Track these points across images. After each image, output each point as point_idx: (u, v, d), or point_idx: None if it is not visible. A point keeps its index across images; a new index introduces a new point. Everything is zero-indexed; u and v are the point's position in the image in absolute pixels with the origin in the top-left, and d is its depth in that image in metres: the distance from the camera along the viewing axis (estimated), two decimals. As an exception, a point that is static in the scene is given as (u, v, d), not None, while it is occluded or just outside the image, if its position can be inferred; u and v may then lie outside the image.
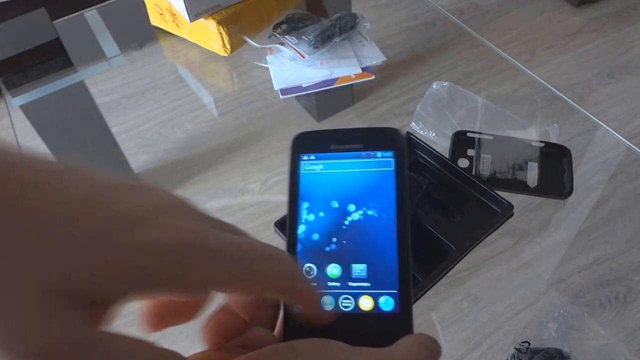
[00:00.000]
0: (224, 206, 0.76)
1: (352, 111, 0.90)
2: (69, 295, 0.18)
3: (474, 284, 0.66)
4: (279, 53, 0.91)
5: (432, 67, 0.95)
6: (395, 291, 0.28)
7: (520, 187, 0.71)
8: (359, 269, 0.28)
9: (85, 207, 0.20)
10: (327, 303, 0.28)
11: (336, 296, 0.28)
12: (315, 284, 0.29)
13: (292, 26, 0.91)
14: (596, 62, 1.62)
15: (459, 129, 0.77)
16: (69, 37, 1.04)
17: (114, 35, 1.04)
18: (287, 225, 0.30)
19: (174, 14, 0.95)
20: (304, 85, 0.87)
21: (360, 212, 0.30)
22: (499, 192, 0.66)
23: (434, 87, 0.85)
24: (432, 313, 0.64)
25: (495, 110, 0.81)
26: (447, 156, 0.73)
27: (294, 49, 0.88)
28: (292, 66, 0.89)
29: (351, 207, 0.30)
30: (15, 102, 0.93)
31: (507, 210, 0.64)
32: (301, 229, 0.30)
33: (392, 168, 0.30)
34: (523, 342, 0.60)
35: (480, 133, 0.76)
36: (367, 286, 0.28)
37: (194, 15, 0.89)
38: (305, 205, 0.30)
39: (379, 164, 0.30)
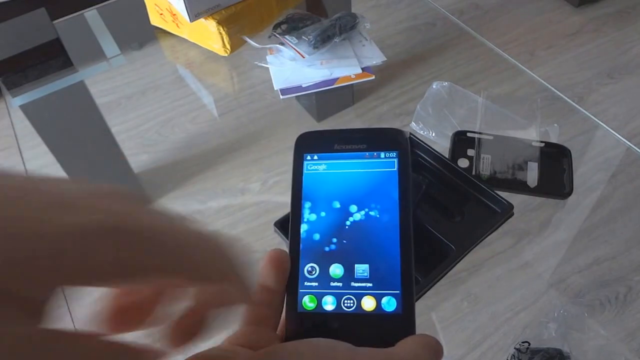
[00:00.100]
0: (224, 206, 0.76)
1: (352, 111, 0.90)
2: None
3: (474, 284, 0.66)
4: (279, 53, 0.91)
5: (432, 67, 0.95)
6: (397, 292, 0.28)
7: (520, 187, 0.71)
8: (361, 269, 0.29)
9: (8, 199, 0.17)
10: (330, 303, 0.28)
11: (339, 296, 0.28)
12: (316, 284, 0.29)
13: (292, 26, 0.91)
14: (596, 62, 1.62)
15: (459, 129, 0.77)
16: (69, 37, 1.04)
17: (114, 35, 1.04)
18: (290, 224, 0.30)
19: (174, 14, 0.95)
20: (304, 85, 0.87)
21: (363, 212, 0.30)
22: (499, 192, 0.66)
23: (434, 87, 0.85)
24: (432, 313, 0.64)
25: (495, 110, 0.81)
26: (447, 156, 0.73)
27: (294, 49, 0.88)
28: (292, 66, 0.89)
29: (354, 207, 0.30)
30: (15, 102, 0.93)
31: (507, 210, 0.64)
32: (304, 228, 0.30)
33: (395, 168, 0.30)
34: (523, 342, 0.60)
35: (480, 133, 0.76)
36: (370, 286, 0.28)
37: (194, 15, 0.89)
38: (308, 205, 0.30)
39: (383, 164, 0.30)
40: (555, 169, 0.73)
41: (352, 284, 0.28)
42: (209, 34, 0.93)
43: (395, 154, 0.30)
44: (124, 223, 0.18)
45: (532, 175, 0.72)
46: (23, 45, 1.01)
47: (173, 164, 0.83)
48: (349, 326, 0.28)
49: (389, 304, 0.28)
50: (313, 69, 0.88)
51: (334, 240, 0.29)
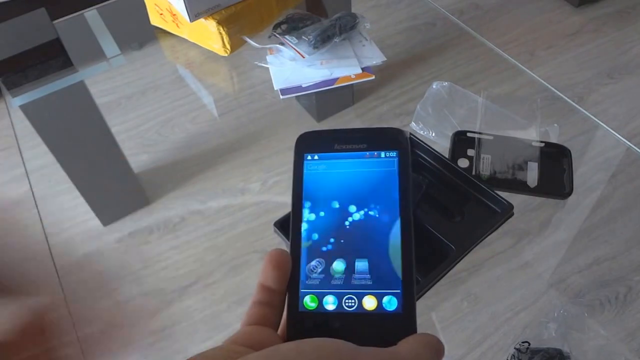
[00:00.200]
0: (224, 206, 0.76)
1: (352, 111, 0.90)
2: None
3: (474, 284, 0.66)
4: (279, 53, 0.91)
5: (432, 67, 0.95)
6: (398, 291, 0.28)
7: (520, 187, 0.71)
8: (362, 268, 0.29)
9: None
10: (331, 302, 0.28)
11: (340, 296, 0.28)
12: (317, 284, 0.29)
13: (292, 26, 0.91)
14: (596, 62, 1.62)
15: (459, 129, 0.77)
16: (69, 37, 1.04)
17: (114, 35, 1.04)
18: (290, 224, 0.30)
19: (174, 14, 0.95)
20: (304, 85, 0.87)
21: (363, 212, 0.30)
22: (499, 192, 0.66)
23: (434, 87, 0.85)
24: (432, 313, 0.64)
25: (495, 110, 0.81)
26: (447, 156, 0.73)
27: (294, 49, 0.88)
28: (292, 66, 0.89)
29: (355, 207, 0.30)
30: (15, 102, 0.93)
31: (507, 210, 0.64)
32: (305, 228, 0.30)
33: (395, 168, 0.30)
34: (523, 342, 0.60)
35: (480, 133, 0.76)
36: (371, 286, 0.28)
37: (194, 15, 0.89)
38: (309, 205, 0.30)
39: (383, 164, 0.30)
40: (555, 169, 0.73)
41: (353, 283, 0.28)
42: (209, 34, 0.93)
43: (395, 153, 0.30)
44: None
45: (532, 175, 0.72)
46: (23, 45, 1.01)
47: (173, 164, 0.83)
48: (350, 326, 0.28)
49: (390, 303, 0.28)
50: (313, 69, 0.88)
51: (335, 240, 0.29)
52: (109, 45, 1.02)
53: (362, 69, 0.88)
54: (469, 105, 0.83)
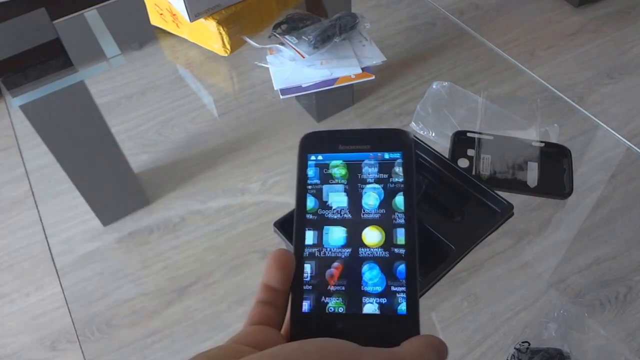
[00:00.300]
0: (224, 206, 0.76)
1: (352, 111, 0.90)
2: None
3: (474, 284, 0.66)
4: (279, 53, 0.91)
5: (432, 67, 0.95)
6: (402, 292, 0.28)
7: (520, 187, 0.71)
8: (366, 269, 0.29)
9: None
10: (334, 303, 0.28)
11: (343, 296, 0.28)
12: (321, 284, 0.29)
13: (292, 26, 0.91)
14: (596, 62, 1.62)
15: (459, 129, 0.77)
16: (69, 37, 1.04)
17: (114, 35, 1.04)
18: (294, 224, 0.30)
19: (174, 14, 0.95)
20: (304, 85, 0.87)
21: (367, 212, 0.30)
22: (499, 192, 0.66)
23: (434, 87, 0.85)
24: (432, 313, 0.64)
25: (495, 110, 0.81)
26: (447, 156, 0.73)
27: (294, 49, 0.88)
28: (292, 66, 0.89)
29: (359, 207, 0.30)
30: (15, 102, 0.93)
31: (507, 210, 0.64)
32: (308, 228, 0.30)
33: (400, 169, 0.30)
34: (523, 342, 0.60)
35: (480, 133, 0.76)
36: (375, 287, 0.28)
37: (194, 15, 0.89)
38: (312, 205, 0.30)
39: (387, 165, 0.30)
40: (555, 169, 0.73)
41: (357, 284, 0.28)
42: (209, 34, 0.93)
43: (399, 154, 0.30)
44: None
45: (532, 175, 0.72)
46: (23, 45, 1.01)
47: (173, 164, 0.83)
48: (353, 326, 0.28)
49: (394, 304, 0.28)
50: (313, 69, 0.88)
51: (338, 240, 0.29)
52: (109, 45, 1.02)
53: (362, 69, 0.88)
54: (469, 105, 0.83)
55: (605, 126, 0.85)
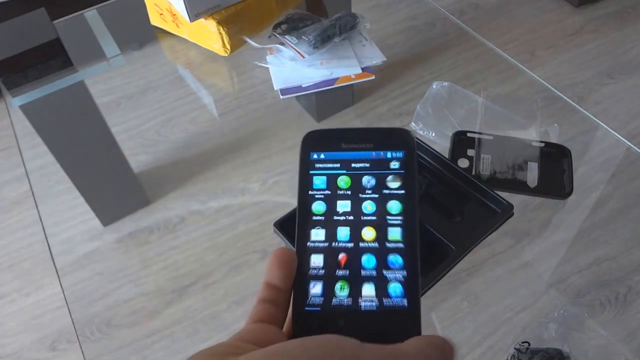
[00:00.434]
0: (224, 206, 0.76)
1: (352, 111, 0.90)
2: None
3: (474, 284, 0.66)
4: (279, 53, 0.91)
5: (432, 67, 0.95)
6: (404, 290, 0.28)
7: (520, 187, 0.71)
8: (368, 267, 0.29)
9: None
10: (336, 301, 0.28)
11: (345, 294, 0.28)
12: (322, 282, 0.29)
13: (292, 26, 0.91)
14: (596, 62, 1.62)
15: (459, 129, 0.77)
16: (69, 37, 1.04)
17: (114, 35, 1.04)
18: (296, 223, 0.30)
19: (174, 14, 0.95)
20: (304, 85, 0.87)
21: (369, 211, 0.30)
22: (499, 192, 0.66)
23: (434, 87, 0.85)
24: (432, 313, 0.64)
25: (495, 110, 0.81)
26: (447, 156, 0.73)
27: (294, 49, 0.88)
28: (292, 66, 0.89)
29: (361, 206, 0.30)
30: (15, 102, 0.93)
31: (507, 210, 0.64)
32: (310, 227, 0.30)
33: (402, 168, 0.30)
34: (523, 342, 0.60)
35: (480, 133, 0.76)
36: (376, 285, 0.28)
37: (194, 15, 0.89)
38: (314, 203, 0.31)
39: (389, 164, 0.30)
40: (555, 169, 0.73)
41: (359, 282, 0.29)
42: (209, 34, 0.93)
43: (402, 154, 0.30)
44: None
45: (532, 176, 0.72)
46: (23, 45, 1.01)
47: (173, 164, 0.83)
48: (355, 324, 0.28)
49: (395, 302, 0.28)
50: (313, 69, 0.88)
51: (341, 238, 0.30)
52: (109, 45, 1.02)
53: (362, 69, 0.88)
54: (469, 105, 0.83)
55: (605, 126, 0.85)
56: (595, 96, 1.48)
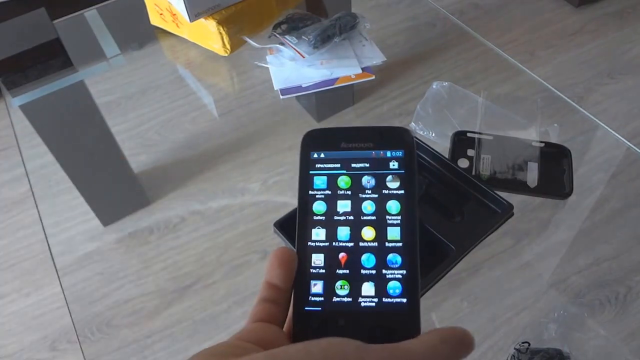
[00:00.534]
0: (224, 206, 0.76)
1: (352, 111, 0.90)
2: None
3: (474, 284, 0.66)
4: (279, 53, 0.91)
5: (432, 67, 0.95)
6: (404, 289, 0.28)
7: (520, 187, 0.71)
8: (368, 267, 0.29)
9: None
10: (336, 301, 0.28)
11: (345, 294, 0.28)
12: (323, 282, 0.29)
13: (292, 26, 0.91)
14: (596, 62, 1.62)
15: (459, 129, 0.77)
16: (69, 37, 1.04)
17: (114, 35, 1.04)
18: (297, 223, 0.30)
19: (174, 14, 0.95)
20: (304, 85, 0.87)
21: (369, 210, 0.30)
22: (499, 192, 0.66)
23: (434, 87, 0.85)
24: (432, 313, 0.64)
25: (495, 110, 0.81)
26: (447, 156, 0.73)
27: (294, 49, 0.88)
28: (292, 66, 0.89)
29: (360, 205, 0.30)
30: (15, 102, 0.93)
31: (507, 211, 0.64)
32: (311, 226, 0.30)
33: (401, 167, 0.30)
34: (523, 343, 0.60)
35: (480, 133, 0.76)
36: (376, 284, 0.28)
37: (194, 15, 0.89)
38: (314, 203, 0.31)
39: (389, 163, 0.31)
40: (555, 169, 0.73)
41: (359, 282, 0.29)
42: (209, 34, 0.93)
43: (401, 153, 0.31)
44: None
45: (532, 176, 0.72)
46: (23, 45, 1.01)
47: (173, 164, 0.83)
48: (355, 323, 0.28)
49: (395, 300, 0.28)
50: (313, 69, 0.88)
51: (341, 238, 0.30)
52: (109, 45, 1.02)
53: (362, 69, 0.88)
54: (469, 105, 0.83)
55: (605, 126, 0.85)
56: (595, 96, 1.48)
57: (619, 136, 0.83)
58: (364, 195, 0.30)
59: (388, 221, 0.30)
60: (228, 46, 0.93)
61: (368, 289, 0.28)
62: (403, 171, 0.30)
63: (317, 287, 0.29)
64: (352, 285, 0.29)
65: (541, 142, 0.75)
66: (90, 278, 0.70)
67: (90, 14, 1.08)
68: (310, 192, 0.31)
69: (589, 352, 0.60)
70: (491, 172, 0.72)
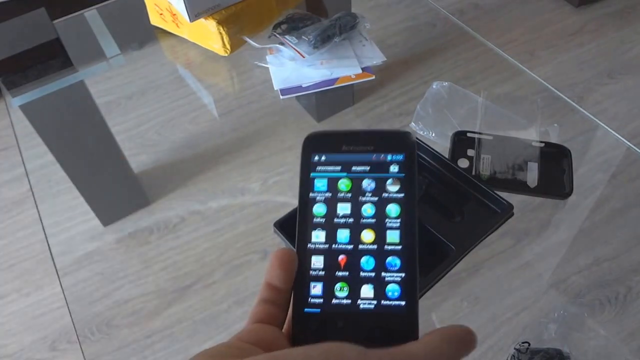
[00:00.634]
0: (224, 206, 0.76)
1: (352, 111, 0.90)
2: None
3: (474, 284, 0.66)
4: (279, 53, 0.91)
5: (432, 67, 0.95)
6: (403, 292, 0.28)
7: (520, 187, 0.71)
8: (368, 269, 0.29)
9: None
10: (336, 303, 0.28)
11: (345, 296, 0.29)
12: (322, 284, 0.29)
13: (292, 26, 0.91)
14: (596, 62, 1.62)
15: (459, 129, 0.77)
16: (69, 37, 1.04)
17: (114, 35, 1.04)
18: (297, 225, 0.30)
19: (174, 14, 0.95)
20: (304, 85, 0.87)
21: (369, 213, 0.30)
22: (499, 192, 0.66)
23: (434, 87, 0.85)
24: (432, 313, 0.64)
25: (495, 110, 0.81)
26: (447, 156, 0.73)
27: (294, 49, 0.88)
28: (292, 66, 0.89)
29: (361, 208, 0.30)
30: (15, 102, 0.93)
31: (507, 211, 0.64)
32: (311, 228, 0.30)
33: (402, 171, 0.30)
34: (523, 343, 0.60)
35: (480, 133, 0.76)
36: (376, 286, 0.29)
37: (194, 15, 0.89)
38: (315, 205, 0.31)
39: (390, 166, 0.31)
40: (555, 169, 0.73)
41: (359, 284, 0.29)
42: (209, 34, 0.93)
43: (402, 157, 0.31)
44: None
45: (532, 176, 0.72)
46: (23, 45, 1.01)
47: (173, 164, 0.83)
48: (354, 325, 0.28)
49: (393, 303, 0.28)
50: (313, 69, 0.88)
51: (341, 240, 0.30)
52: (109, 45, 1.02)
53: (362, 69, 0.88)
54: (469, 105, 0.83)
55: (605, 126, 0.85)
56: (595, 96, 1.48)
57: (619, 136, 0.83)
58: (364, 198, 0.30)
59: (388, 224, 0.30)
60: (228, 46, 0.93)
61: (367, 291, 0.29)
62: (403, 175, 0.30)
63: (316, 288, 0.29)
64: (351, 287, 0.29)
65: (541, 142, 0.75)
66: (90, 278, 0.70)
67: (90, 14, 1.08)
68: (311, 194, 0.31)
69: (589, 352, 0.60)
70: (491, 172, 0.72)
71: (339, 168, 0.31)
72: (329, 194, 0.31)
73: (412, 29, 1.04)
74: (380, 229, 0.30)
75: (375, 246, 0.29)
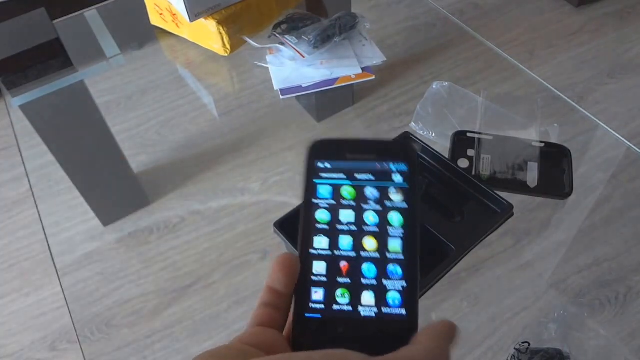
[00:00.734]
0: (224, 206, 0.76)
1: (352, 111, 0.90)
2: None
3: (474, 284, 0.66)
4: (279, 53, 0.91)
5: (432, 67, 0.95)
6: (404, 296, 0.29)
7: (520, 187, 0.71)
8: (369, 275, 0.29)
9: None
10: (337, 308, 0.29)
11: (346, 301, 0.29)
12: (324, 289, 0.29)
13: (292, 26, 0.91)
14: (596, 62, 1.62)
15: (459, 129, 0.77)
16: (69, 37, 1.04)
17: (114, 35, 1.04)
18: (300, 229, 0.31)
19: (174, 14, 0.95)
20: (304, 85, 0.87)
21: (372, 220, 0.31)
22: (499, 192, 0.66)
23: (434, 87, 0.85)
24: (432, 313, 0.64)
25: (495, 110, 0.81)
26: (447, 156, 0.73)
27: (294, 49, 0.88)
28: (292, 66, 0.89)
29: (363, 215, 0.31)
30: (15, 102, 0.93)
31: (507, 210, 0.64)
32: (314, 234, 0.31)
33: (405, 180, 0.31)
34: (523, 343, 0.60)
35: (480, 133, 0.76)
36: (377, 292, 0.29)
37: (194, 15, 0.89)
38: (318, 211, 0.31)
39: (392, 175, 0.31)
40: (555, 169, 0.73)
41: (360, 289, 0.29)
42: (209, 34, 0.93)
43: (405, 166, 0.31)
44: None
45: (532, 176, 0.72)
46: (23, 45, 1.01)
47: (173, 164, 0.83)
48: (354, 331, 0.28)
49: (394, 311, 0.28)
50: (313, 69, 0.88)
51: (343, 246, 0.30)
52: (109, 45, 1.02)
53: (362, 69, 0.88)
54: (469, 105, 0.83)
55: (605, 126, 0.85)
56: (595, 96, 1.48)
57: (619, 136, 0.83)
58: (366, 206, 0.31)
59: (389, 233, 0.30)
60: (228, 46, 0.93)
61: (368, 298, 0.29)
62: (406, 184, 0.31)
63: (317, 294, 0.29)
64: (352, 294, 0.29)
65: (541, 142, 0.75)
66: (90, 278, 0.70)
67: (90, 14, 1.08)
68: (314, 201, 0.31)
69: (589, 352, 0.60)
70: (491, 172, 0.72)
71: (342, 175, 0.32)
72: (332, 201, 0.31)
73: (412, 29, 1.04)
74: (382, 237, 0.30)
75: (377, 254, 0.30)
